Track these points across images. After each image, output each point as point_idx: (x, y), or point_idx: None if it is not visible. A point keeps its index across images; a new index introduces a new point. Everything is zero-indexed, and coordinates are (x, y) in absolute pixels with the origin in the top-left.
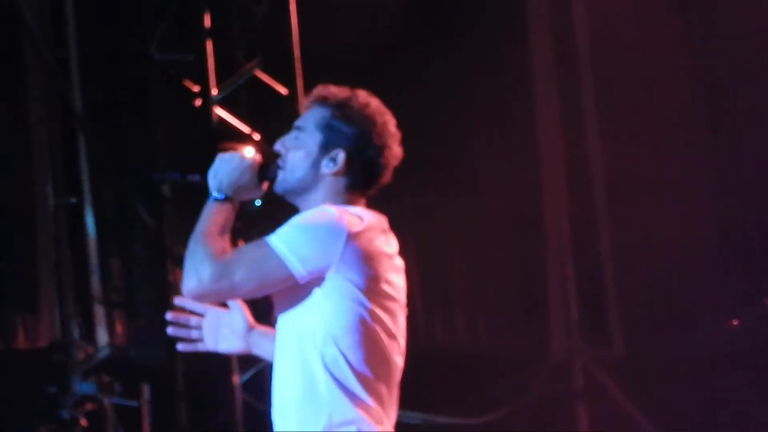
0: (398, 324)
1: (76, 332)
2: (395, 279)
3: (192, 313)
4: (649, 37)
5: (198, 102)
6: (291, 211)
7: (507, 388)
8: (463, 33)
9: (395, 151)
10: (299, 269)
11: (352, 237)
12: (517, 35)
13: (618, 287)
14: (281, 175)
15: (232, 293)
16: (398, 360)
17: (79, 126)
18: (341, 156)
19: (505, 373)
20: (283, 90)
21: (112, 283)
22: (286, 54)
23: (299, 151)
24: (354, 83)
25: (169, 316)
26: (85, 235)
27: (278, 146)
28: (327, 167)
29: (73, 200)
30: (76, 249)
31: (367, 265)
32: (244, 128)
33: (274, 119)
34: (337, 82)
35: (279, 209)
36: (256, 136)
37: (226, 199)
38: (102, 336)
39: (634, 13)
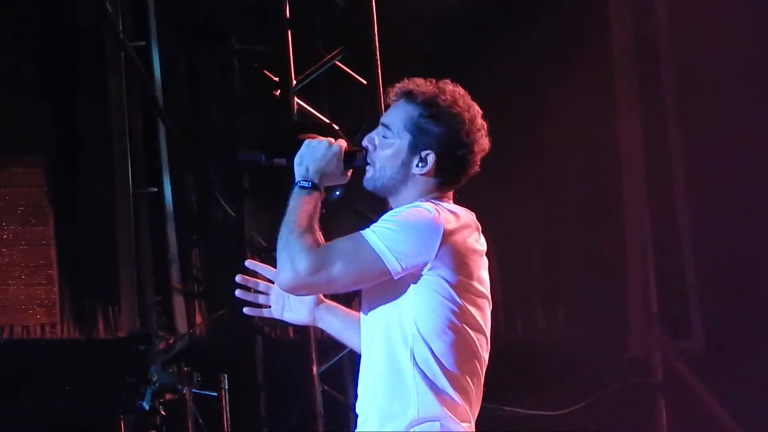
0: (486, 320)
1: (155, 322)
2: (485, 275)
3: (263, 278)
4: (729, 28)
5: (278, 92)
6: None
7: (586, 380)
8: (541, 25)
9: (483, 144)
10: (396, 265)
11: (447, 234)
12: (598, 28)
13: (699, 279)
14: (370, 172)
15: (328, 286)
16: (485, 356)
17: (160, 116)
18: (432, 157)
19: (585, 365)
20: (362, 81)
21: (191, 273)
22: (365, 45)
23: (388, 150)
24: (431, 75)
25: (238, 278)
26: (165, 225)
27: (366, 143)
28: (417, 168)
29: (154, 190)
30: (156, 239)
31: (461, 262)
32: (324, 119)
33: (353, 110)
34: (415, 73)
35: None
36: (336, 127)
37: (313, 186)
38: (181, 326)
39: (714, 4)
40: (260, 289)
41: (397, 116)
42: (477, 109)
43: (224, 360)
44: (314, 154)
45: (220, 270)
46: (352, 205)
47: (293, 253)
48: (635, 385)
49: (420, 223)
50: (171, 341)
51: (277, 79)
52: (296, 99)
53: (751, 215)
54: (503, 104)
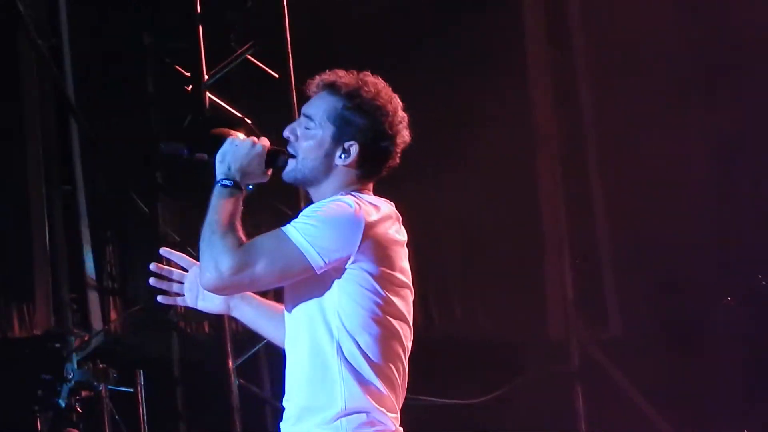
0: (409, 309)
1: (70, 320)
2: (406, 265)
3: (176, 266)
4: (642, 10)
5: (190, 87)
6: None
7: (505, 368)
8: (457, 17)
9: (404, 136)
10: (319, 260)
11: (369, 227)
12: (513, 16)
13: (615, 266)
14: (292, 164)
15: (253, 285)
16: (408, 344)
17: (73, 114)
18: (355, 148)
19: (503, 353)
20: (274, 75)
21: (106, 269)
22: (277, 39)
23: (311, 141)
24: (344, 67)
25: (152, 266)
26: (79, 223)
27: (287, 133)
28: (341, 159)
29: (68, 188)
30: (70, 237)
31: (383, 254)
32: (237, 113)
33: (266, 104)
34: (328, 67)
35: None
36: (248, 121)
37: (234, 185)
38: (97, 323)
39: None
40: (174, 277)
41: (320, 107)
42: (398, 101)
43: (140, 356)
44: (237, 153)
45: (134, 266)
46: (269, 202)
47: (216, 254)
48: (552, 373)
49: (341, 218)
50: (86, 338)
51: (189, 74)
52: (208, 94)
53: (667, 202)
54: (419, 95)
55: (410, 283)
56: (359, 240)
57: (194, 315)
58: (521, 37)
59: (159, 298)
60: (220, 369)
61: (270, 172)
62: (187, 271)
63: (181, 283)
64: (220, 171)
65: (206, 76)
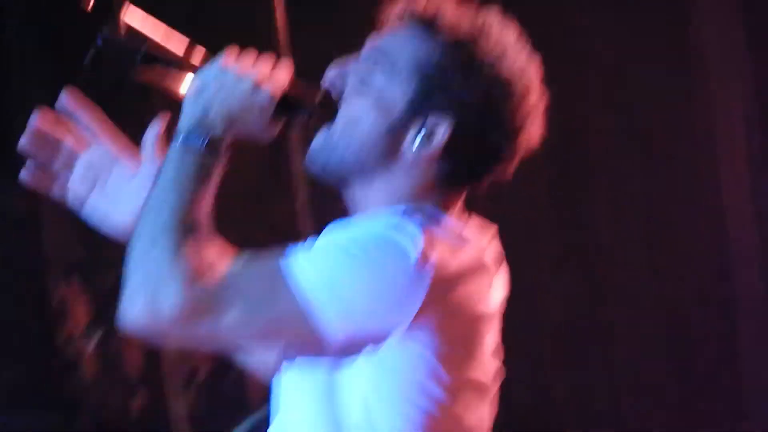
0: (483, 419)
1: None
2: (489, 350)
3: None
4: None
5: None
6: None
7: None
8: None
9: (533, 135)
10: (336, 331)
11: (439, 288)
12: None
13: None
14: (324, 137)
15: (209, 341)
16: None
17: None
18: (443, 129)
19: None
20: None
21: None
22: None
23: (371, 98)
24: None
25: (34, 118)
26: None
27: (332, 76)
28: (414, 142)
29: None
30: None
31: (452, 335)
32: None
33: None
34: None
35: None
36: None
37: (211, 145)
38: None
39: None
40: (63, 150)
41: (403, 48)
42: (536, 74)
43: None
44: (225, 91)
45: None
46: (267, 194)
47: (156, 278)
48: None
49: (390, 264)
50: None
51: None
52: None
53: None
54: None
55: (491, 380)
56: (415, 309)
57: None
58: None
59: (22, 173)
60: None
61: (278, 128)
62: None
63: (72, 160)
64: (189, 114)
65: None
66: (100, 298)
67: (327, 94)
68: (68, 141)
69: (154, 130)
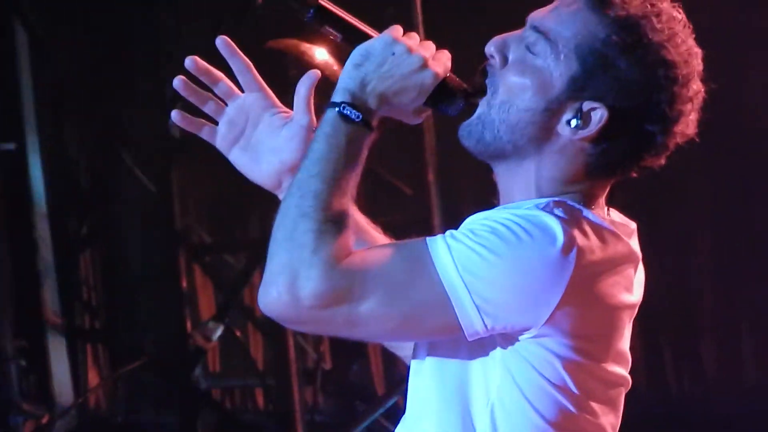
0: (618, 414)
1: (17, 388)
2: (626, 344)
3: (220, 76)
4: None
5: None
6: None
7: None
8: None
9: (689, 124)
10: (477, 323)
11: (581, 277)
12: None
13: None
14: (482, 111)
15: (346, 329)
16: None
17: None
18: (600, 114)
19: None
20: None
21: (80, 294)
22: None
23: (531, 77)
24: None
25: (188, 61)
26: (31, 212)
27: (492, 50)
28: (569, 125)
29: (9, 147)
30: (15, 237)
31: (594, 329)
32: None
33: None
34: None
35: None
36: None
37: (365, 118)
38: (63, 392)
39: None
40: (218, 91)
41: (568, 26)
42: (699, 62)
43: None
44: (391, 65)
45: (131, 285)
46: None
47: (300, 262)
48: None
49: (535, 256)
50: (45, 420)
51: None
52: None
53: None
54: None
55: (626, 375)
56: (557, 300)
57: (239, 376)
58: None
59: (174, 114)
60: None
61: (425, 114)
62: (242, 91)
63: (224, 104)
64: (347, 84)
65: None
66: (227, 284)
67: (483, 86)
68: (221, 85)
69: (307, 83)
